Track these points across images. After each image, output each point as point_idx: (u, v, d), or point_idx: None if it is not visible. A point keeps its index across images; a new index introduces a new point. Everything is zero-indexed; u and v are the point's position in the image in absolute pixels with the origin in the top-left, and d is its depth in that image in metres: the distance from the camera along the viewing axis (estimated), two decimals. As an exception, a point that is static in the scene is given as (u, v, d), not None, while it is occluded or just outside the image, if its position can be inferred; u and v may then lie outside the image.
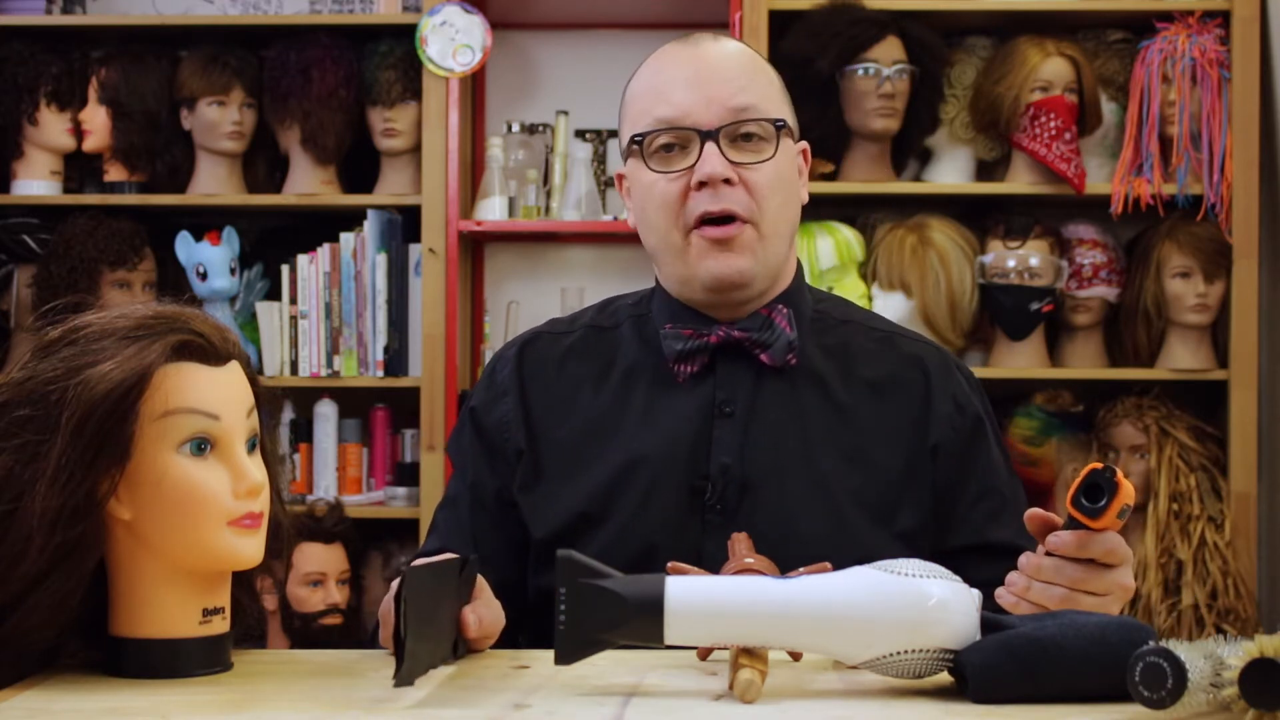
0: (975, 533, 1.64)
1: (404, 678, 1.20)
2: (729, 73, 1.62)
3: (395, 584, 1.29)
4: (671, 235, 1.62)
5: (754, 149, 1.61)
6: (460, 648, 1.37)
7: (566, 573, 1.21)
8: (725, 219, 1.60)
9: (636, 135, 1.63)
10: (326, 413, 3.53)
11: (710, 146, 1.59)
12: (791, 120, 1.67)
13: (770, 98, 1.64)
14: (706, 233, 1.60)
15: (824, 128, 3.37)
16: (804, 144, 1.71)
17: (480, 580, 1.41)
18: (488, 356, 3.54)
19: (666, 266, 1.66)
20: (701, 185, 1.59)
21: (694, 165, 1.59)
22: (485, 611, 1.40)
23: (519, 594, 1.66)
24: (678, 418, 1.64)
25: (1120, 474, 1.28)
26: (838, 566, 1.27)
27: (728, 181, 1.59)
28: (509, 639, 1.52)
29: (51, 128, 3.54)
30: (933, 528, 1.64)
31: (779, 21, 3.35)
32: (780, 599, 1.20)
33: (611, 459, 1.64)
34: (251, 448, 1.32)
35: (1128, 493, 1.28)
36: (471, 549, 1.62)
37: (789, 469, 1.61)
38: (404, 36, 3.48)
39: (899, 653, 1.19)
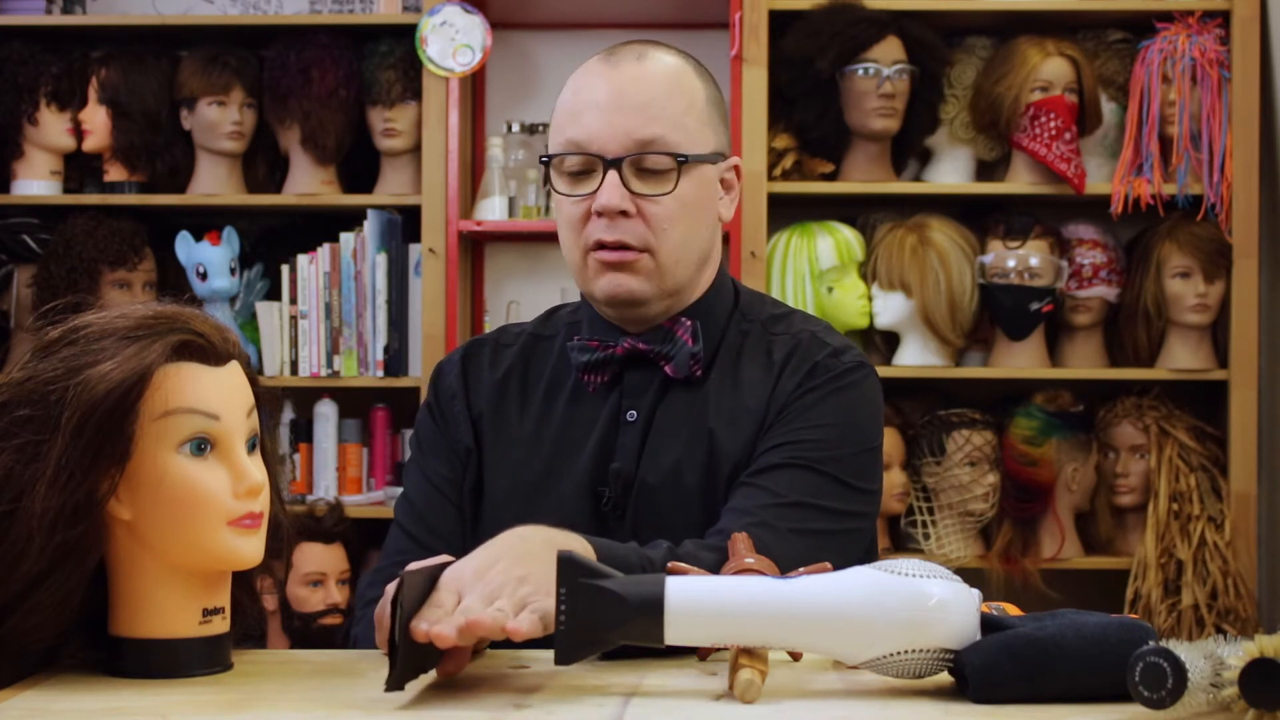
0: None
1: (394, 682, 1.20)
2: (642, 99, 1.62)
3: (390, 587, 1.30)
4: (574, 253, 1.67)
5: (655, 181, 1.62)
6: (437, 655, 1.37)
7: (566, 573, 1.21)
8: (617, 247, 1.63)
9: (547, 156, 1.67)
10: (326, 413, 3.53)
11: (611, 176, 1.61)
12: (714, 144, 1.67)
13: (684, 126, 1.63)
14: (600, 255, 1.63)
15: (824, 128, 3.37)
16: (732, 161, 1.72)
17: None
18: (488, 356, 3.54)
19: (575, 279, 1.71)
20: (600, 213, 1.62)
21: (596, 191, 1.62)
22: None
23: None
24: (588, 428, 1.68)
25: None
26: None
27: (624, 213, 1.61)
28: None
29: (51, 128, 3.54)
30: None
31: (779, 21, 3.35)
32: (780, 599, 1.20)
33: (536, 475, 1.69)
34: (251, 448, 1.32)
35: None
36: (443, 542, 1.65)
37: (676, 470, 1.64)
38: (404, 36, 3.48)
39: (899, 653, 1.20)
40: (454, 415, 1.73)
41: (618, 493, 1.65)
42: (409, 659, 1.22)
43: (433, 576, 1.30)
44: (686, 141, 1.63)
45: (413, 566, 1.32)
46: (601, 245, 1.63)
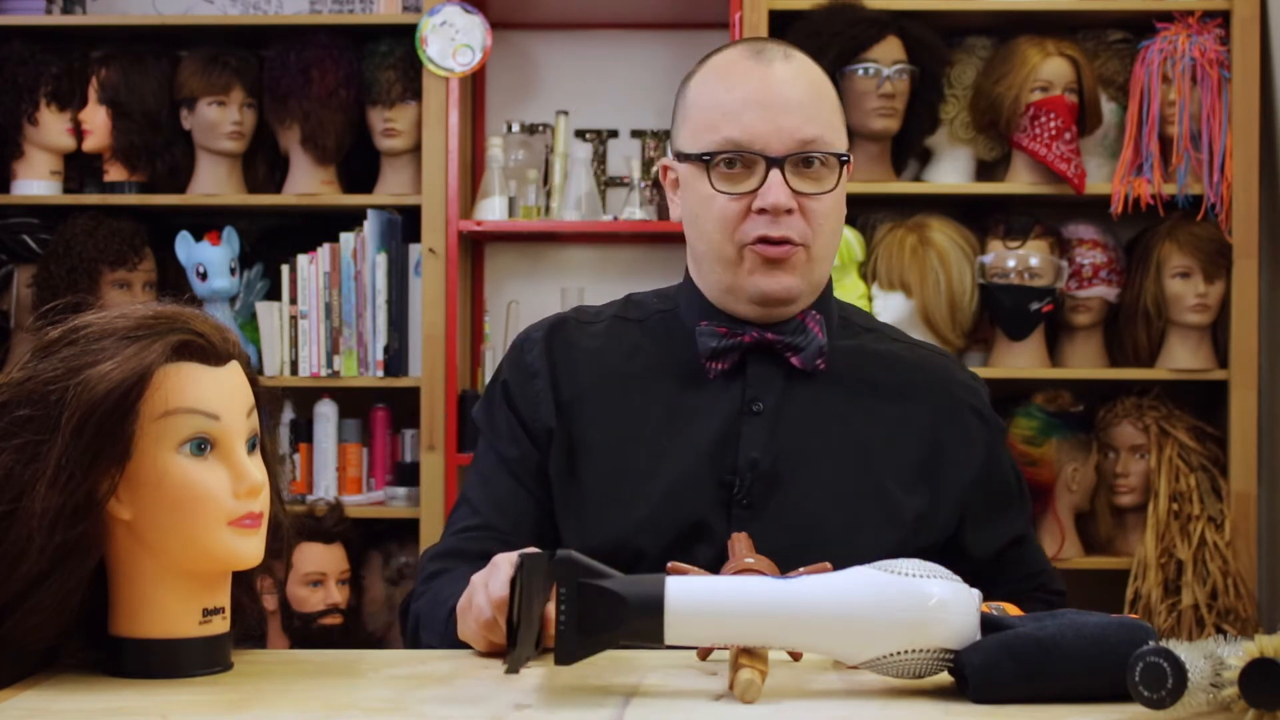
0: (999, 535, 1.73)
1: (514, 664, 1.20)
2: (798, 100, 1.63)
3: (476, 582, 1.34)
4: (725, 248, 1.65)
5: (817, 179, 1.63)
6: (540, 641, 1.35)
7: (566, 573, 1.21)
8: (781, 242, 1.62)
9: (705, 154, 1.64)
10: (326, 413, 3.53)
11: (775, 175, 1.61)
12: (846, 143, 1.69)
13: (835, 126, 1.66)
14: (761, 250, 1.63)
15: (824, 128, 3.37)
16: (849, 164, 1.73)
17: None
18: (488, 356, 3.54)
19: (713, 274, 1.68)
20: (763, 210, 1.61)
21: (757, 190, 1.61)
22: None
23: None
24: (707, 415, 1.66)
25: None
26: (855, 559, 1.28)
27: (788, 210, 1.61)
28: None
29: (51, 128, 3.54)
30: (953, 528, 1.69)
31: (779, 21, 3.35)
32: (781, 599, 1.20)
33: (643, 460, 1.66)
34: (252, 448, 1.32)
35: None
36: (510, 524, 1.66)
37: (814, 464, 1.65)
38: (404, 36, 3.48)
39: (899, 653, 1.19)
40: (534, 395, 1.70)
41: (749, 483, 1.63)
42: (526, 642, 1.22)
43: (539, 564, 1.28)
44: (838, 141, 1.65)
45: (527, 551, 1.29)
46: (764, 240, 1.62)
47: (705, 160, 1.64)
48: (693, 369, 1.68)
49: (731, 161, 1.62)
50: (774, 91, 1.62)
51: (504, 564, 1.40)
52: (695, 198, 1.66)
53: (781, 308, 1.66)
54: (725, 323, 1.67)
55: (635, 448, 1.66)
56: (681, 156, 1.68)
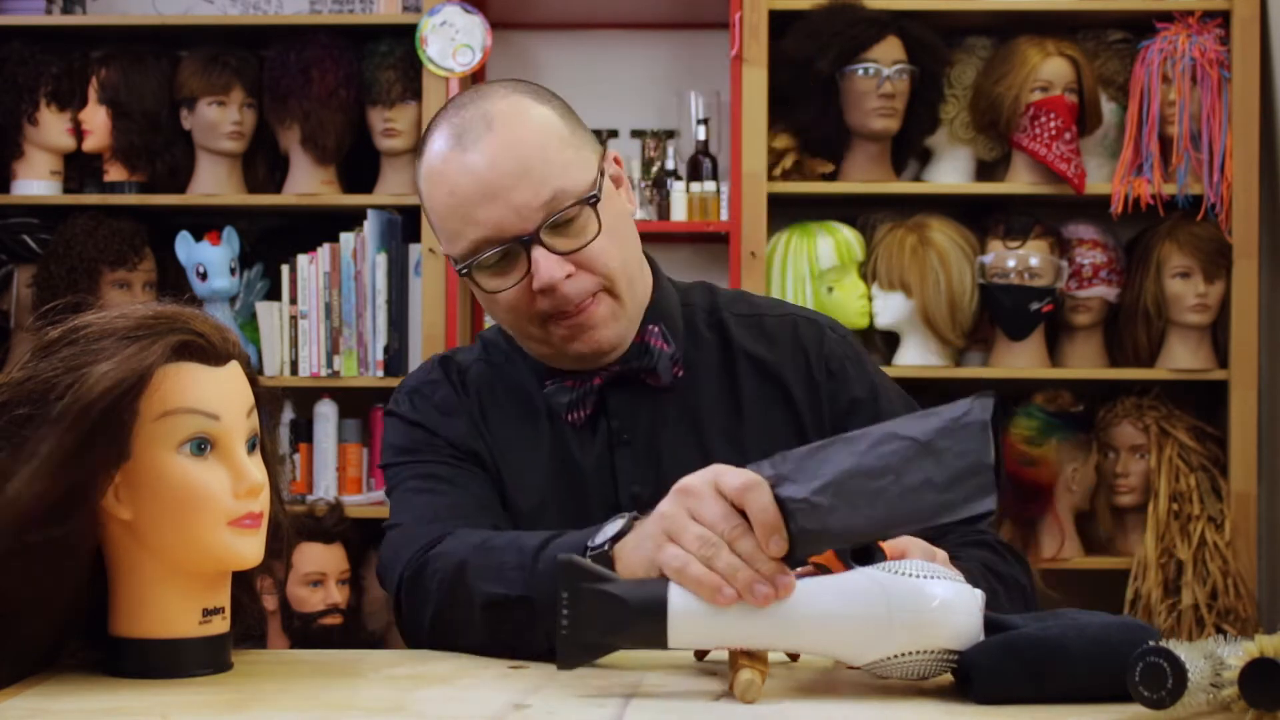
0: None
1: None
2: (519, 168, 1.53)
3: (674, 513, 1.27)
4: (529, 330, 1.60)
5: (579, 230, 1.55)
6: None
7: (568, 577, 1.21)
8: (579, 307, 1.57)
9: (460, 264, 1.57)
10: (326, 413, 3.53)
11: (538, 252, 1.53)
12: (592, 156, 1.59)
13: (568, 165, 1.56)
14: (564, 323, 1.57)
15: (824, 128, 3.37)
16: (611, 153, 1.65)
17: None
18: (487, 356, 3.53)
19: (532, 352, 1.64)
20: (544, 290, 1.55)
21: (528, 273, 1.55)
22: None
23: None
24: (583, 455, 1.63)
25: None
26: None
27: (568, 276, 1.55)
28: None
29: (51, 128, 3.54)
30: None
31: (779, 21, 3.35)
32: (784, 602, 1.20)
33: (537, 508, 1.62)
34: (251, 448, 1.32)
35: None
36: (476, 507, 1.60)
37: None
38: (404, 36, 3.48)
39: (902, 654, 1.19)
40: (459, 428, 1.65)
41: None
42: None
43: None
44: (576, 178, 1.56)
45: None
46: (561, 314, 1.56)
47: (465, 271, 1.57)
48: (555, 416, 1.64)
49: (495, 260, 1.55)
50: (489, 173, 1.53)
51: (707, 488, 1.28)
52: (481, 296, 1.60)
53: (610, 356, 1.61)
54: (569, 374, 1.63)
55: (530, 495, 1.63)
56: (453, 262, 1.61)
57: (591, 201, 1.56)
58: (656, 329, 1.64)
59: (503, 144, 1.55)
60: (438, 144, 1.60)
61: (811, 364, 1.68)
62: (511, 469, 1.65)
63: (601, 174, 1.60)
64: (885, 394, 1.69)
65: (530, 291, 1.56)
